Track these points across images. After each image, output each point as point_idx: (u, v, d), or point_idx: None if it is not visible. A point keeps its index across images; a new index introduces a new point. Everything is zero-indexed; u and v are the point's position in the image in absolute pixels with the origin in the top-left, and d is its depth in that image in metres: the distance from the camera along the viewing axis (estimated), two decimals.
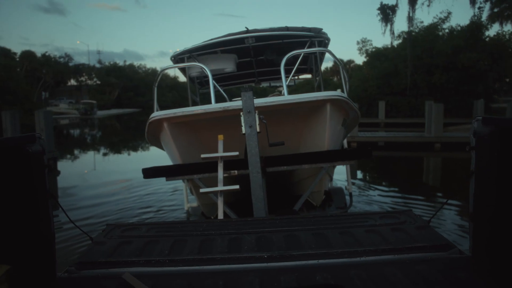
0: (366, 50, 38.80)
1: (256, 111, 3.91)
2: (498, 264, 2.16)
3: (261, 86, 9.78)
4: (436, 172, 13.44)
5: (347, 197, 6.77)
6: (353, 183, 8.76)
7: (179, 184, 8.40)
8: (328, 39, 6.59)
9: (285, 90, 4.78)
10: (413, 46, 29.34)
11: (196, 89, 8.00)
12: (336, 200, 6.30)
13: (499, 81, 29.75)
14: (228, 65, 7.03)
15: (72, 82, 77.30)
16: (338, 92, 4.74)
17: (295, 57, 5.62)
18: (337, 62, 5.30)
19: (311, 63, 7.57)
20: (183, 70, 7.26)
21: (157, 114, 4.59)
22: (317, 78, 7.35)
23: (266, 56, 7.49)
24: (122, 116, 53.82)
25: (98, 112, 52.24)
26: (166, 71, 5.66)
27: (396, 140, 17.67)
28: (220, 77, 8.03)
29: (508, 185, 2.12)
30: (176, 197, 8.76)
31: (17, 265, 2.01)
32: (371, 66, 34.31)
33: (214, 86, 4.93)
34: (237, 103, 4.28)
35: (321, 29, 6.43)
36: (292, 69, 5.96)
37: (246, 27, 6.32)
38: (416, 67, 29.39)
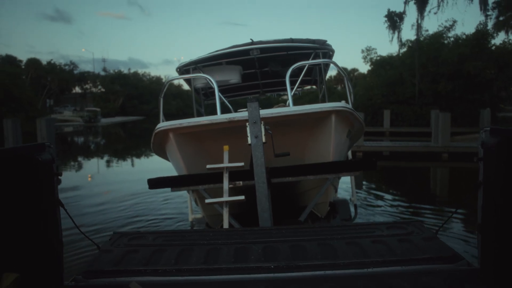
0: (371, 58, 38.76)
1: (262, 122, 3.92)
2: (507, 276, 2.12)
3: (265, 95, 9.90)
4: (444, 182, 13.19)
5: (352, 209, 6.64)
6: (358, 193, 8.60)
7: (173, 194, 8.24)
8: (333, 51, 6.61)
9: (290, 101, 4.82)
10: (418, 54, 29.19)
11: (201, 100, 8.03)
12: (341, 211, 6.27)
13: (505, 90, 29.45)
14: (233, 77, 7.12)
15: (77, 89, 77.82)
16: (342, 103, 4.75)
17: (300, 69, 5.70)
18: (342, 73, 5.31)
19: (315, 74, 7.58)
20: (188, 81, 7.28)
21: (163, 125, 4.60)
22: (322, 87, 7.41)
23: (271, 67, 7.54)
24: (126, 124, 53.78)
25: (102, 120, 52.20)
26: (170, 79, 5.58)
27: (402, 150, 17.41)
28: (225, 88, 8.06)
29: None
30: (169, 205, 8.63)
31: (25, 273, 2.01)
32: (375, 74, 34.17)
33: (219, 97, 4.97)
34: (242, 114, 4.32)
35: (326, 41, 6.43)
36: (297, 80, 6.03)
37: (251, 39, 6.29)
38: (421, 75, 29.21)
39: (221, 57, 6.63)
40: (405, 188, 11.47)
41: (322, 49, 6.25)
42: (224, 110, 5.27)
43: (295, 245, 2.73)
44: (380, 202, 8.75)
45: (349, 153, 6.86)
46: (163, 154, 5.47)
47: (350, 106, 4.90)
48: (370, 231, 3.00)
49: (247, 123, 3.93)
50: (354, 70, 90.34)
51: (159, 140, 4.89)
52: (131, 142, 29.84)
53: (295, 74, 6.15)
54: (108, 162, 18.94)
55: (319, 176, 4.58)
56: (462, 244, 5.72)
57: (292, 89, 5.01)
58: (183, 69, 6.71)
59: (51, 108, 54.40)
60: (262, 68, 7.80)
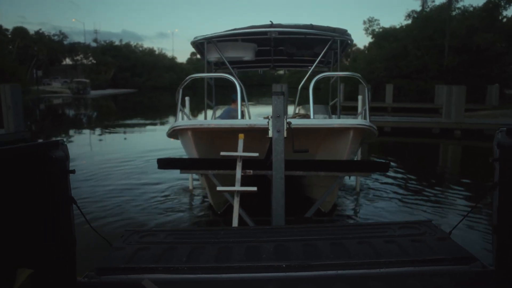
0: (373, 30, 36.94)
1: (285, 115, 4.07)
2: None
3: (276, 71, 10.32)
4: (457, 167, 11.65)
5: (353, 197, 6.90)
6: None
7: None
8: (351, 40, 6.70)
9: (311, 113, 5.08)
10: (424, 26, 27.63)
11: (212, 70, 8.14)
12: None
13: None
14: (247, 54, 7.24)
15: (68, 61, 75.62)
16: (361, 121, 5.09)
17: (316, 53, 6.46)
18: (364, 84, 5.44)
19: (329, 56, 7.66)
20: (202, 53, 7.23)
21: (183, 123, 4.91)
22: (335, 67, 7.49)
23: (287, 49, 7.56)
24: (118, 96, 52.00)
25: (92, 92, 50.38)
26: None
27: (411, 126, 16.13)
28: (236, 61, 8.15)
29: None
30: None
31: (39, 269, 2.02)
32: (378, 46, 32.58)
33: (231, 74, 5.43)
34: (262, 122, 4.41)
35: (346, 30, 6.45)
36: (310, 59, 6.91)
37: (270, 21, 6.28)
38: (427, 48, 27.72)
39: (238, 35, 6.71)
40: (414, 175, 9.99)
41: (341, 38, 6.30)
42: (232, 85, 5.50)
43: (307, 244, 2.73)
44: (386, 194, 7.43)
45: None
46: (175, 137, 5.61)
47: (367, 121, 5.15)
48: (382, 231, 3.00)
49: (269, 116, 4.03)
50: (353, 45, 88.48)
51: (176, 133, 5.09)
52: (123, 116, 28.26)
53: (312, 55, 7.24)
54: (98, 140, 17.56)
55: (331, 173, 4.84)
56: (477, 245, 5.09)
57: (307, 66, 5.95)
58: (197, 43, 6.79)
59: (39, 79, 52.39)
60: (276, 47, 7.76)
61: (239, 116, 5.03)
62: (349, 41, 6.62)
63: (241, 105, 5.82)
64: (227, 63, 6.90)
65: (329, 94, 8.45)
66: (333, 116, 7.64)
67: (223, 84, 7.31)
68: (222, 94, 7.30)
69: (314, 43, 6.94)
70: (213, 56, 7.10)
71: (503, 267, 2.25)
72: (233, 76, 5.96)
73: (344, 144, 4.84)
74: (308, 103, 5.08)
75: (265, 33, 6.21)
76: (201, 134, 4.85)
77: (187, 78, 5.34)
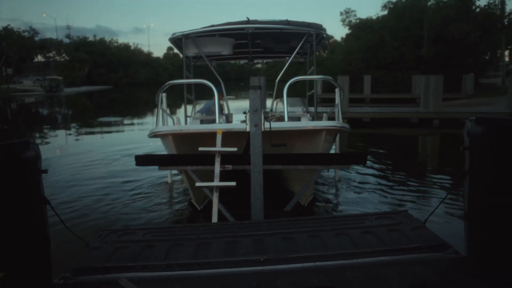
0: (350, 21, 36.93)
1: (262, 110, 4.09)
2: (493, 263, 2.17)
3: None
4: (436, 156, 11.69)
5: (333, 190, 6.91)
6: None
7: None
8: (327, 35, 6.97)
9: (285, 116, 5.12)
10: (400, 16, 27.77)
11: (190, 66, 8.22)
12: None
13: (490, 54, 28.52)
14: (225, 49, 7.35)
15: (40, 58, 73.38)
16: (333, 122, 5.23)
17: (292, 47, 6.80)
18: (336, 85, 6.11)
19: (306, 48, 7.70)
20: (180, 48, 7.38)
21: (164, 129, 5.17)
22: (313, 63, 7.40)
23: (264, 43, 7.90)
24: (93, 93, 50.75)
25: (66, 89, 48.94)
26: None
27: (389, 116, 16.14)
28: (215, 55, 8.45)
29: (501, 184, 2.14)
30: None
31: (12, 271, 1.99)
32: (355, 38, 32.61)
33: (209, 68, 6.32)
34: (240, 126, 4.56)
35: (321, 25, 6.66)
36: (288, 49, 7.32)
37: (247, 17, 6.41)
38: (403, 39, 27.88)
39: (216, 31, 6.79)
40: (396, 159, 10.03)
41: (316, 32, 6.45)
42: (213, 78, 6.05)
43: (285, 238, 2.74)
44: (363, 185, 7.34)
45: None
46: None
47: (339, 121, 5.50)
48: (359, 222, 3.02)
49: (247, 111, 4.04)
50: (329, 37, 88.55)
51: (157, 136, 5.21)
52: (99, 114, 27.49)
53: (289, 48, 7.64)
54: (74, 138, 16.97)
55: (309, 166, 4.92)
56: (452, 232, 4.86)
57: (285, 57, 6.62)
58: (175, 39, 6.87)
59: (9, 77, 50.65)
60: (254, 40, 7.87)
61: (217, 112, 5.21)
62: (324, 35, 6.86)
63: (221, 99, 6.52)
64: (205, 58, 7.34)
65: (306, 85, 8.49)
66: (311, 108, 7.74)
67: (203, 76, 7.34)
68: (201, 88, 7.29)
69: (291, 37, 7.15)
70: (191, 52, 7.23)
71: (474, 253, 2.30)
72: (213, 70, 6.72)
73: (317, 143, 5.07)
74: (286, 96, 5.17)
75: (242, 29, 6.29)
76: (181, 136, 5.04)
77: (166, 84, 5.53)
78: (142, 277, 2.30)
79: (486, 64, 29.96)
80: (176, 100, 13.50)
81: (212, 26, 6.48)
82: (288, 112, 5.05)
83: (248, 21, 6.27)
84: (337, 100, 6.23)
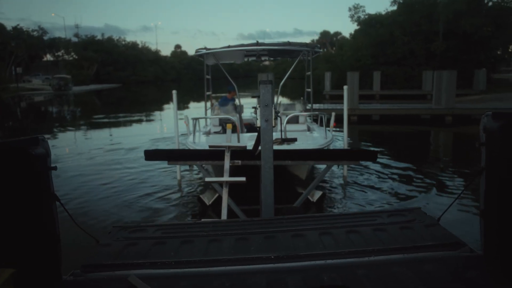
0: (359, 17, 36.45)
1: (273, 104, 4.26)
2: (510, 262, 2.09)
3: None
4: (448, 153, 11.43)
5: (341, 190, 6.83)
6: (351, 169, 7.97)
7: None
8: (320, 51, 9.35)
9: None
10: (410, 11, 27.29)
11: (209, 69, 9.65)
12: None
13: (503, 49, 27.92)
14: (237, 59, 9.96)
15: (49, 57, 73.77)
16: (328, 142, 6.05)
17: (294, 57, 9.28)
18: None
19: (304, 61, 9.52)
20: (202, 59, 9.18)
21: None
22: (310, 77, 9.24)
23: (270, 57, 10.58)
24: (101, 91, 50.93)
25: (74, 88, 49.15)
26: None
27: (401, 113, 15.80)
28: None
29: None
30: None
31: (22, 268, 2.01)
32: (364, 33, 32.16)
33: (225, 77, 8.30)
34: (240, 145, 4.84)
35: (317, 45, 9.30)
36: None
37: (257, 41, 8.34)
38: (414, 34, 27.41)
39: (231, 48, 8.29)
40: (403, 162, 9.67)
41: (312, 50, 8.58)
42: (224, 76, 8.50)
43: (296, 235, 2.74)
44: (375, 180, 7.19)
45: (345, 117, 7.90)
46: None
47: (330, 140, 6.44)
48: (371, 219, 2.99)
49: (258, 105, 4.06)
50: (337, 33, 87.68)
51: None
52: (108, 112, 27.46)
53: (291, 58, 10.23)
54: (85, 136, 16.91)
55: (319, 162, 4.97)
56: (467, 230, 4.66)
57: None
58: (199, 52, 8.76)
59: (19, 77, 50.94)
60: (261, 53, 9.38)
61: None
62: (319, 51, 9.27)
63: (234, 95, 8.67)
64: (222, 67, 8.99)
65: (304, 84, 9.84)
66: (308, 105, 9.15)
67: (217, 76, 9.96)
68: (215, 84, 9.62)
69: (292, 54, 9.49)
70: (211, 61, 9.25)
71: (490, 252, 2.25)
72: (227, 76, 8.31)
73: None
74: (288, 99, 5.77)
75: (252, 50, 8.34)
76: None
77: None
78: (151, 274, 2.31)
79: (499, 59, 29.32)
80: (184, 96, 13.42)
81: (229, 46, 8.15)
82: (288, 112, 5.23)
83: (257, 44, 8.20)
84: (324, 124, 7.07)
